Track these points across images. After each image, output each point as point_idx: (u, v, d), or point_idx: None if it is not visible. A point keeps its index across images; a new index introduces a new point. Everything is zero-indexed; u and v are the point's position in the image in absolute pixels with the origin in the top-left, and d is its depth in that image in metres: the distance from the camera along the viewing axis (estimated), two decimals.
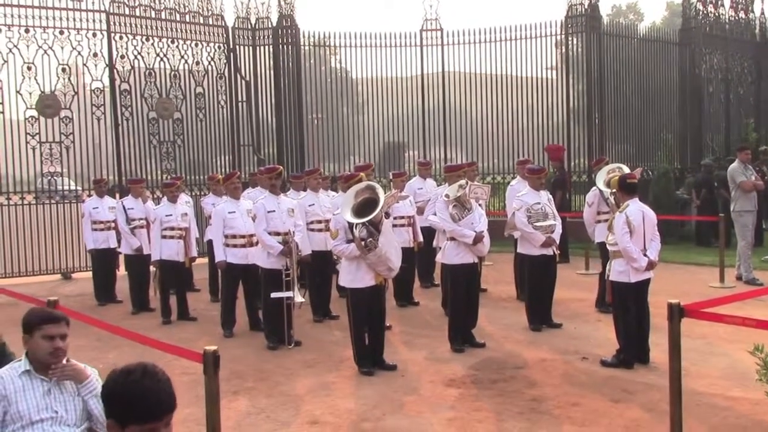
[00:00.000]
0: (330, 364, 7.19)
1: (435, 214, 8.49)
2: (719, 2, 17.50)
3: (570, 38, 15.78)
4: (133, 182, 10.71)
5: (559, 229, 8.28)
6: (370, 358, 6.85)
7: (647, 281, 6.84)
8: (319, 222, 9.09)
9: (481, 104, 16.65)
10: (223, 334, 8.47)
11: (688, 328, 6.12)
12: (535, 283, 8.32)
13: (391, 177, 10.34)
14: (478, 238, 7.41)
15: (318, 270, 9.11)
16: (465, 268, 7.53)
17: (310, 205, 9.11)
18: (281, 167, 8.81)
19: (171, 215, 9.28)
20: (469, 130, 16.86)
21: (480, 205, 8.58)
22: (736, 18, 17.93)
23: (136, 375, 2.50)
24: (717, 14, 17.42)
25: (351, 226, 6.59)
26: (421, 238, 9.74)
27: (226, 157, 15.25)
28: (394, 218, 8.96)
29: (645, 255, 6.69)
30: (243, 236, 8.38)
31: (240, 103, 15.08)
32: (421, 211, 9.74)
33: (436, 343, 7.76)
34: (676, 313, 4.70)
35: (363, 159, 16.74)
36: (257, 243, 8.16)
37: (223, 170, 14.70)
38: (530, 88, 16.23)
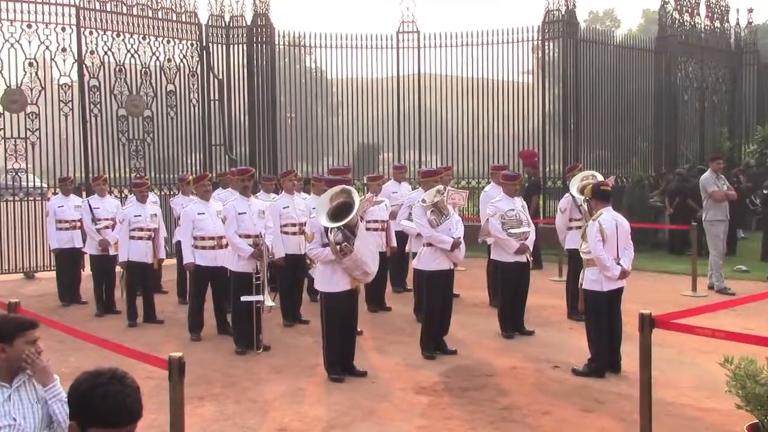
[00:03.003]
0: (299, 369, 7.16)
1: (409, 219, 8.52)
2: (695, 11, 17.76)
3: (547, 43, 15.90)
4: (95, 180, 10.58)
5: (532, 236, 8.34)
6: (341, 364, 6.83)
7: (620, 290, 6.90)
8: (294, 225, 9.03)
9: (457, 108, 16.72)
10: (190, 338, 8.40)
11: (660, 337, 6.17)
12: (508, 289, 8.35)
13: (366, 180, 10.31)
14: (455, 245, 7.43)
15: (290, 274, 9.06)
16: (442, 275, 7.54)
17: (284, 208, 9.05)
18: (253, 169, 8.75)
19: (140, 215, 9.19)
20: (443, 134, 16.91)
21: (455, 210, 8.62)
22: (712, 27, 18.22)
23: (103, 378, 2.49)
24: (693, 23, 17.69)
25: (327, 229, 6.58)
26: (394, 243, 9.73)
27: (197, 157, 15.14)
28: (368, 222, 8.93)
29: (618, 263, 6.74)
30: (212, 238, 8.33)
31: (212, 102, 14.98)
32: (393, 215, 9.73)
33: (407, 350, 7.75)
34: (647, 324, 4.75)
35: (337, 160, 16.71)
36: (227, 245, 8.11)
37: (193, 170, 14.57)
38: (506, 92, 16.33)
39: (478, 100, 16.46)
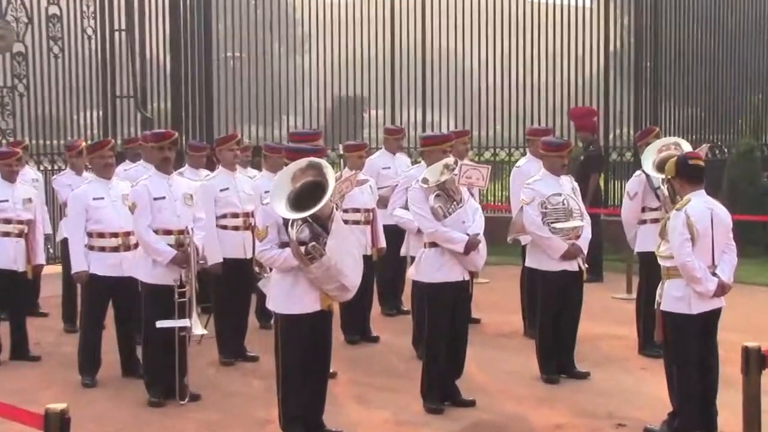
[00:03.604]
0: (243, 428, 7.18)
1: (405, 208, 8.50)
2: None
3: None
4: None
5: (588, 233, 8.34)
6: (304, 420, 6.82)
7: (716, 313, 6.88)
8: (236, 215, 9.03)
9: (478, 44, 16.68)
10: (81, 382, 8.37)
11: None
12: (552, 312, 8.37)
13: (343, 150, 10.29)
14: (471, 245, 7.42)
15: (231, 287, 9.06)
16: (451, 289, 7.54)
17: (222, 191, 9.05)
18: (176, 133, 8.71)
19: (7, 201, 9.16)
20: (459, 83, 16.88)
21: (473, 194, 8.58)
22: None
23: None
24: None
25: (287, 222, 6.56)
26: (383, 243, 9.76)
27: (94, 114, 15.08)
28: (344, 211, 8.92)
29: (714, 274, 6.74)
30: (115, 235, 8.30)
31: (117, 33, 14.91)
32: (383, 202, 9.73)
33: (403, 399, 7.77)
34: (755, 363, 4.75)
35: (302, 121, 16.68)
36: (136, 245, 8.09)
37: (89, 133, 14.51)
38: (551, 21, 16.31)
39: (509, 32, 16.45)
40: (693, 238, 6.68)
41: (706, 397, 6.83)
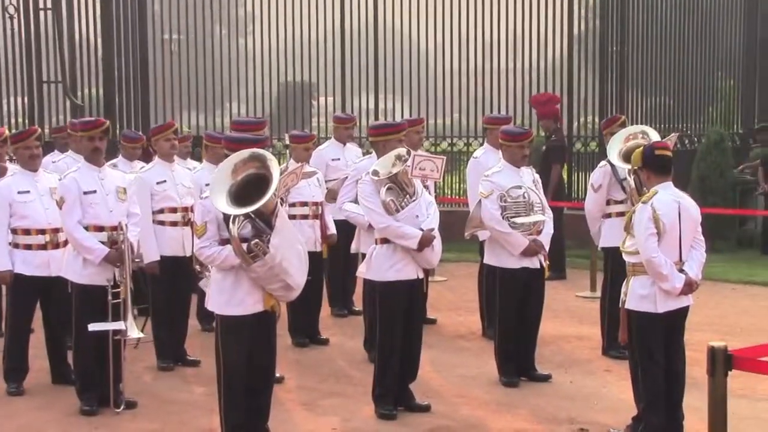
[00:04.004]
0: None
1: (356, 202, 8.53)
2: None
3: None
4: None
5: (550, 228, 8.42)
6: (247, 428, 6.85)
7: (683, 312, 6.96)
8: (174, 210, 9.01)
9: (434, 26, 16.71)
10: (6, 390, 8.30)
11: (742, 384, 6.32)
12: (512, 311, 8.42)
13: (289, 141, 10.30)
14: (425, 241, 7.46)
15: (169, 287, 9.06)
16: (404, 288, 7.57)
17: (159, 183, 9.02)
18: (108, 121, 8.65)
19: None
20: (413, 68, 16.89)
21: (427, 187, 8.62)
22: None
23: None
24: None
25: (228, 218, 6.56)
26: (333, 230, 9.80)
27: (19, 101, 14.94)
28: (291, 206, 8.94)
29: (681, 270, 6.83)
30: (42, 231, 8.23)
31: (42, 12, 14.76)
32: (332, 195, 9.75)
33: (353, 405, 7.81)
34: (721, 363, 4.82)
35: (245, 109, 16.63)
36: (66, 243, 8.05)
37: (13, 122, 14.38)
38: (511, 2, 16.30)
39: (467, 14, 16.48)
40: (659, 232, 6.73)
41: (672, 400, 6.90)
